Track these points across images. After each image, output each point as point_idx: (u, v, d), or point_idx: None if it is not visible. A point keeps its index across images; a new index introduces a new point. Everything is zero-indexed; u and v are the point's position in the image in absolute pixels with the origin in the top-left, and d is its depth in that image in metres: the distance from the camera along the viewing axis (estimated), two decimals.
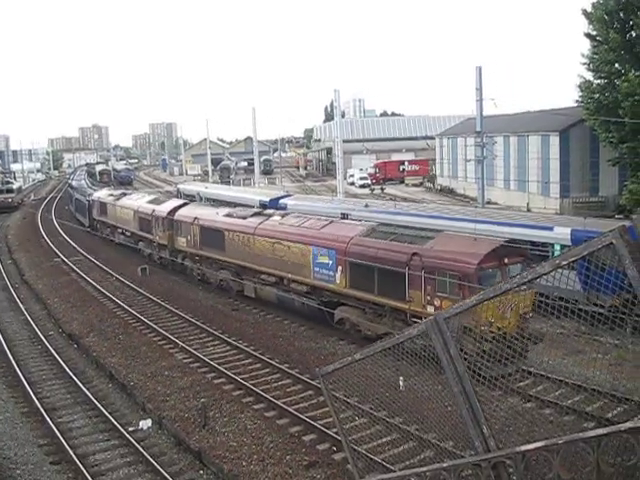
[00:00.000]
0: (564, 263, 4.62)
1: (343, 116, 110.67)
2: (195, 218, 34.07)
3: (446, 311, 5.58)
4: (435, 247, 20.51)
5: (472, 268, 18.87)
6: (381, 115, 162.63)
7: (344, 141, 61.72)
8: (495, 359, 6.24)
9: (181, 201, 41.93)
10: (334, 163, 61.51)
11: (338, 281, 23.83)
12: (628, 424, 4.58)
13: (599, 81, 48.91)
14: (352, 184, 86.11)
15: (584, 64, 49.09)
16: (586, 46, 48.84)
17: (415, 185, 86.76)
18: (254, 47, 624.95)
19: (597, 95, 48.28)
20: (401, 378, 8.05)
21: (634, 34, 45.72)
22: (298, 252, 25.73)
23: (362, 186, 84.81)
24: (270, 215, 30.07)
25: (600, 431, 4.71)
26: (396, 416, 12.96)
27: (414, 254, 20.50)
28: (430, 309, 19.35)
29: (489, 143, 46.25)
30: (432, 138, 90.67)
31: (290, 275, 26.33)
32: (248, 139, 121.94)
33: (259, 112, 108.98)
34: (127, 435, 16.53)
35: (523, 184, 57.25)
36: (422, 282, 19.87)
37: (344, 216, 33.09)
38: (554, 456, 5.03)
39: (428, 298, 19.81)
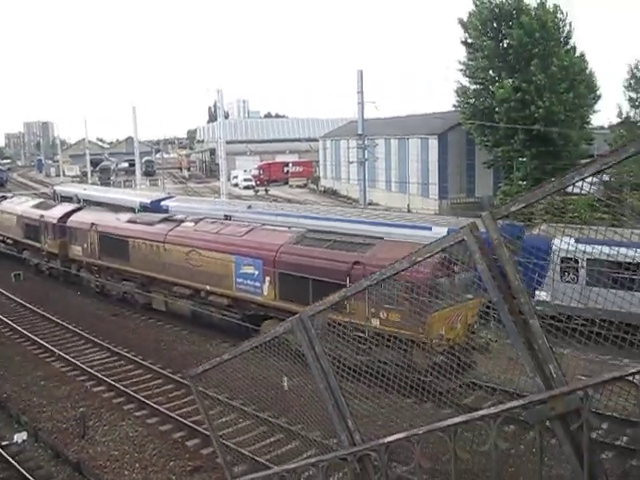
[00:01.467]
0: (419, 259, 4.80)
1: (227, 117, 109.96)
2: (92, 224, 30.90)
3: (310, 309, 5.68)
4: (379, 255, 18.74)
5: (425, 278, 16.92)
6: (265, 116, 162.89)
7: (227, 142, 61.42)
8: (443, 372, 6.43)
9: (74, 205, 38.40)
10: (217, 164, 61.00)
11: (266, 293, 21.97)
12: (482, 412, 4.81)
13: (475, 87, 51.19)
14: (236, 185, 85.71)
15: (461, 70, 51.30)
16: (463, 53, 51.00)
17: (299, 186, 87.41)
18: (134, 45, 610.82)
19: (473, 100, 50.55)
20: (285, 378, 8.12)
21: (507, 43, 48.09)
22: (217, 262, 23.58)
23: (246, 187, 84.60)
24: (181, 221, 27.78)
25: (456, 420, 4.91)
26: (277, 414, 13.08)
27: (356, 263, 18.98)
28: (375, 322, 17.52)
29: (371, 146, 47.38)
30: (316, 140, 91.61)
31: (208, 287, 24.13)
32: (129, 139, 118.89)
33: (140, 112, 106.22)
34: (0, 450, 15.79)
35: (404, 185, 58.93)
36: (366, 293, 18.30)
37: (227, 217, 32.76)
38: (415, 446, 5.21)
39: (373, 310, 17.60)
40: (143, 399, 18.51)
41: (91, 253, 31.09)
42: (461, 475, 5.22)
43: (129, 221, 29.77)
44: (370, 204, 52.57)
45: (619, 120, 49.59)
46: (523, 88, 45.35)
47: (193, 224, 26.91)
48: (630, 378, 4.18)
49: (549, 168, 41.30)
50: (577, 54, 48.02)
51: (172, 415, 17.36)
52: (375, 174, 59.92)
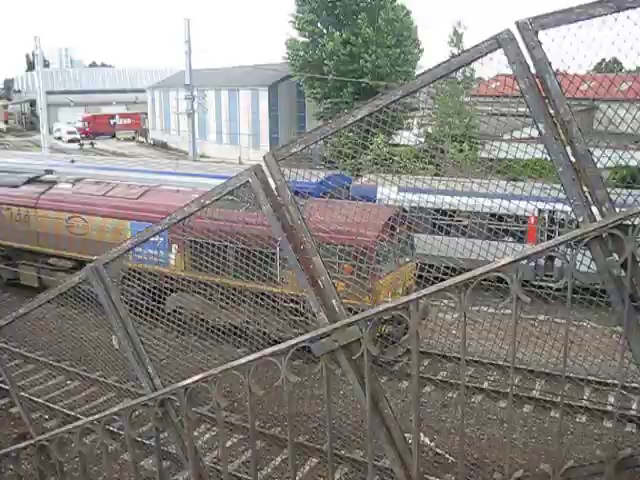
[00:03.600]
0: (208, 202, 4.84)
1: (47, 66, 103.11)
2: None
3: (105, 256, 5.58)
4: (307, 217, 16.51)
5: (372, 242, 16.00)
6: (90, 66, 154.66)
7: (48, 93, 57.81)
8: None
9: None
10: (38, 116, 57.51)
11: (173, 263, 19.63)
12: (272, 348, 4.98)
13: (304, 39, 51.42)
14: (59, 139, 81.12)
15: (291, 22, 51.27)
16: (292, 5, 51.01)
17: (127, 139, 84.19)
18: None
19: (302, 53, 50.78)
20: (114, 337, 7.93)
21: None
22: (108, 229, 20.74)
23: (71, 141, 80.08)
24: (53, 182, 24.34)
25: (250, 357, 5.06)
26: (89, 369, 12.87)
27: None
28: None
29: (200, 97, 46.53)
30: (143, 91, 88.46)
31: (96, 259, 21.07)
32: None
33: None
34: None
35: (235, 137, 58.57)
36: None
37: (48, 172, 31.03)
38: (212, 386, 5.31)
39: None
40: None
41: None
42: (257, 408, 5.41)
43: None
44: (202, 156, 51.89)
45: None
46: (351, 41, 46.22)
47: (71, 185, 23.81)
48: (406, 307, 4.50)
49: (375, 120, 42.54)
50: (403, 10, 49.47)
51: None
52: (206, 126, 59.11)
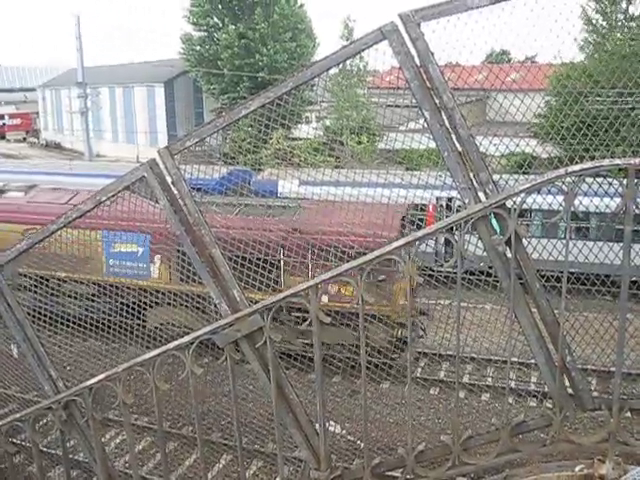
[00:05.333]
0: (104, 199, 4.80)
1: None
2: None
3: None
4: (312, 219, 15.28)
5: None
6: None
7: None
8: None
9: None
10: None
11: (156, 275, 18.22)
12: (175, 343, 4.99)
13: (199, 34, 50.77)
14: None
15: (185, 17, 50.48)
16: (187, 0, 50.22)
17: (18, 140, 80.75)
18: None
19: (198, 47, 50.15)
20: (13, 345, 7.68)
21: None
22: (75, 241, 17.99)
23: None
24: (1, 191, 22.07)
25: (153, 353, 5.06)
26: None
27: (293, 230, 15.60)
28: (323, 299, 14.43)
29: (93, 94, 45.29)
30: (33, 90, 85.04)
31: (62, 274, 18.42)
32: None
33: None
34: None
35: (132, 136, 57.29)
36: (309, 265, 15.16)
37: None
38: (117, 384, 5.28)
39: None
40: None
41: None
42: (168, 408, 5.41)
43: None
44: (98, 156, 50.55)
45: (337, 69, 52.23)
46: (247, 35, 46.00)
47: (23, 194, 21.69)
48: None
49: (274, 115, 42.66)
50: (297, 4, 49.61)
51: None
52: (101, 124, 57.55)
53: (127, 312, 7.06)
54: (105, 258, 17.49)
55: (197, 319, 7.52)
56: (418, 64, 4.19)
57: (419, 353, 16.73)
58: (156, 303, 9.74)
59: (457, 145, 4.17)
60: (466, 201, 4.18)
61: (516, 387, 13.78)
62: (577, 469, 4.86)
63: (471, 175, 4.17)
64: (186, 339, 4.97)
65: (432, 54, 4.14)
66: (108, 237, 17.30)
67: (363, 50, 4.23)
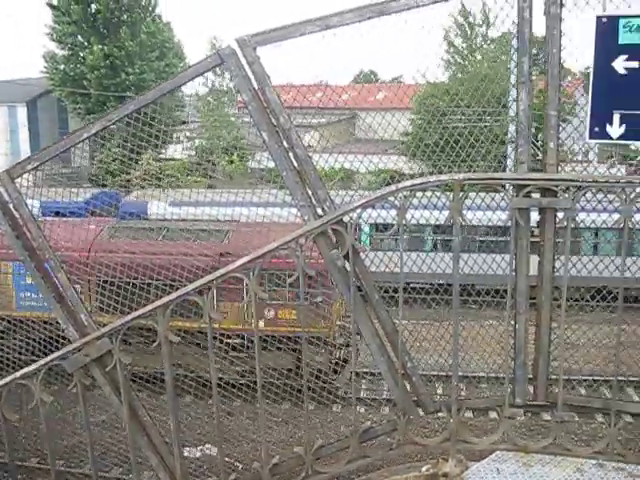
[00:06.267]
0: None
1: None
2: None
3: None
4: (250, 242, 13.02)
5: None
6: None
7: None
8: None
9: None
10: None
11: None
12: (23, 371, 4.86)
13: (64, 52, 49.20)
14: None
15: (48, 34, 48.81)
16: (49, 16, 48.56)
17: None
18: None
19: (62, 66, 48.60)
20: None
21: (94, 7, 47.04)
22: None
23: None
24: None
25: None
26: None
27: (224, 254, 14.40)
28: (260, 323, 14.13)
29: None
30: None
31: None
32: None
33: None
34: None
35: None
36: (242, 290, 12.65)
37: None
38: None
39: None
40: None
41: None
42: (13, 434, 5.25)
43: None
44: None
45: (207, 89, 52.06)
46: (114, 54, 45.06)
47: None
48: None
49: (145, 135, 41.96)
50: (163, 23, 49.09)
51: None
52: None
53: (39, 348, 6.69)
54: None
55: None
56: (256, 87, 4.33)
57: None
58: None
59: (295, 164, 4.33)
60: (306, 217, 4.34)
61: (367, 396, 13.91)
62: (424, 469, 5.12)
63: (309, 193, 4.35)
64: (33, 367, 4.85)
65: (268, 77, 4.30)
66: (19, 269, 15.73)
67: (202, 73, 4.33)
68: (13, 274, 16.29)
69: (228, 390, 7.34)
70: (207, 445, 14.40)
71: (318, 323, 12.21)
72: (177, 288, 5.21)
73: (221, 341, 8.81)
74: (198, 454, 13.49)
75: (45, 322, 12.46)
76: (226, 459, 13.55)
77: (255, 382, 4.95)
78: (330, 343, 12.76)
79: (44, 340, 7.13)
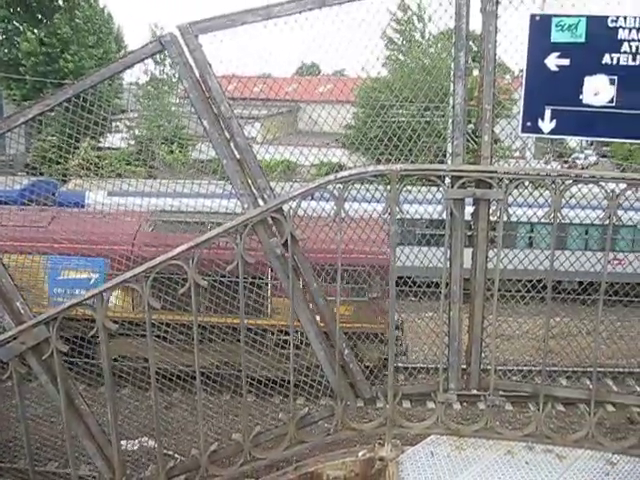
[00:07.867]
0: None
1: None
2: None
3: None
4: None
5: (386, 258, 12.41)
6: None
7: None
8: None
9: None
10: None
11: (115, 302, 13.75)
12: None
13: None
14: None
15: None
16: None
17: None
18: None
19: None
20: None
21: None
22: (12, 267, 13.83)
23: None
24: None
25: None
26: None
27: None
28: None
29: None
30: None
31: None
32: None
33: None
34: None
35: None
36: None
37: None
38: None
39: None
40: None
41: None
42: None
43: None
44: None
45: (147, 77, 51.25)
46: (50, 41, 43.98)
47: None
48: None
49: (83, 121, 41.09)
50: (100, 7, 48.04)
51: None
52: None
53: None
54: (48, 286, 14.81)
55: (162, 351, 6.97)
56: (197, 75, 4.33)
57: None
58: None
59: (235, 153, 4.35)
60: (245, 206, 4.38)
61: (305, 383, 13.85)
62: (360, 454, 5.23)
63: (249, 182, 4.38)
64: None
65: (210, 65, 4.31)
66: (54, 262, 15.08)
67: (143, 60, 4.31)
68: (48, 268, 15.60)
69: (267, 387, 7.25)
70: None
71: (374, 319, 12.04)
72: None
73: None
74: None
75: (81, 319, 13.32)
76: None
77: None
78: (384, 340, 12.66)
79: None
